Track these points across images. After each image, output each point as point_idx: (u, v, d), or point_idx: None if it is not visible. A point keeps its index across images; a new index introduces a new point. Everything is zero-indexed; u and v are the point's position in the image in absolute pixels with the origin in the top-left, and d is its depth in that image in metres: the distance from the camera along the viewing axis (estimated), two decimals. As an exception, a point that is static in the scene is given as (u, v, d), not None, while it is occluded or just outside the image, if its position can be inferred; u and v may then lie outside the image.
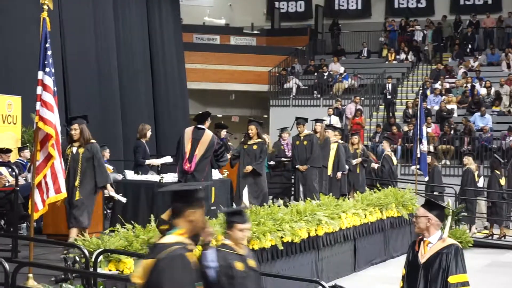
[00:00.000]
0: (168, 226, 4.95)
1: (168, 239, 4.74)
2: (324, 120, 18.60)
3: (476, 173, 20.18)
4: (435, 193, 19.19)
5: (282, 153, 17.22)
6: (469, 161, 20.05)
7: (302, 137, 16.02)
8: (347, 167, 17.17)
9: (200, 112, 12.40)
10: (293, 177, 16.55)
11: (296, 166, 15.85)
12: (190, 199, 4.86)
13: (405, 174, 24.16)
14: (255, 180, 13.99)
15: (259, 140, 14.23)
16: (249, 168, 13.92)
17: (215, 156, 11.87)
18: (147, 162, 13.89)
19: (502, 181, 19.90)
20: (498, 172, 19.87)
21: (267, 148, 15.24)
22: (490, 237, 19.53)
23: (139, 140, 13.91)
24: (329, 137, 16.75)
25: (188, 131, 11.98)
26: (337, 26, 35.27)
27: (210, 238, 5.63)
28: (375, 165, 19.47)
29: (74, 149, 10.73)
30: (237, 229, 6.05)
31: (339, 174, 16.74)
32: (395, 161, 20.08)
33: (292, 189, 16.80)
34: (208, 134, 11.87)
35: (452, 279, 6.34)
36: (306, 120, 16.39)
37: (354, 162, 17.66)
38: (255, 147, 14.08)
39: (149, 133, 14.06)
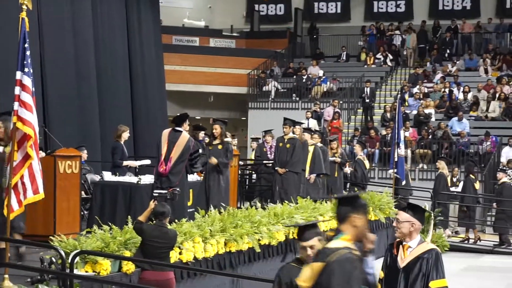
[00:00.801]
0: (334, 232, 4.99)
1: (336, 244, 4.84)
2: (302, 123, 18.57)
3: (449, 178, 20.27)
4: (399, 196, 19.21)
5: (265, 155, 17.12)
6: (441, 166, 20.14)
7: (286, 140, 15.92)
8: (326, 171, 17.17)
9: (178, 114, 12.29)
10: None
11: (276, 168, 15.80)
12: (356, 205, 4.95)
13: (383, 178, 24.24)
14: (219, 181, 13.62)
15: (224, 140, 13.86)
16: (213, 160, 13.43)
17: (189, 160, 11.69)
18: (125, 163, 13.81)
19: (477, 186, 20.02)
20: (473, 177, 19.99)
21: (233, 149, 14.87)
22: (466, 241, 19.65)
23: (117, 141, 13.82)
24: (307, 140, 16.73)
25: (165, 133, 11.88)
26: (316, 29, 35.34)
27: (371, 246, 5.60)
28: (348, 170, 19.48)
29: (0, 148, 9.57)
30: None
31: (312, 177, 16.62)
32: (367, 165, 20.10)
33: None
34: (185, 137, 11.73)
35: (433, 284, 6.34)
36: (293, 122, 16.29)
37: (332, 159, 17.64)
38: (220, 146, 13.67)
39: (126, 135, 13.94)
